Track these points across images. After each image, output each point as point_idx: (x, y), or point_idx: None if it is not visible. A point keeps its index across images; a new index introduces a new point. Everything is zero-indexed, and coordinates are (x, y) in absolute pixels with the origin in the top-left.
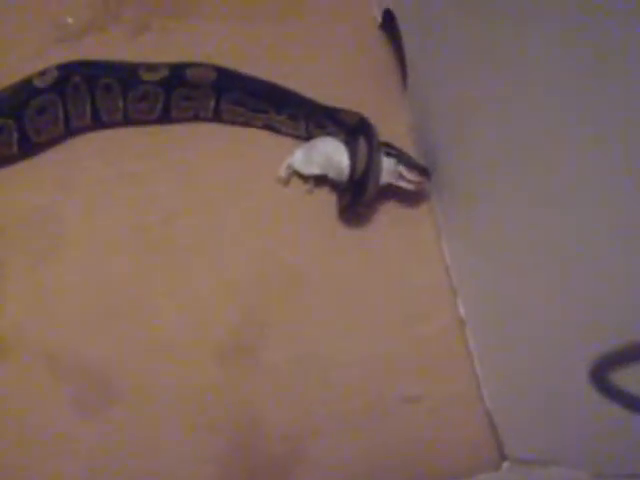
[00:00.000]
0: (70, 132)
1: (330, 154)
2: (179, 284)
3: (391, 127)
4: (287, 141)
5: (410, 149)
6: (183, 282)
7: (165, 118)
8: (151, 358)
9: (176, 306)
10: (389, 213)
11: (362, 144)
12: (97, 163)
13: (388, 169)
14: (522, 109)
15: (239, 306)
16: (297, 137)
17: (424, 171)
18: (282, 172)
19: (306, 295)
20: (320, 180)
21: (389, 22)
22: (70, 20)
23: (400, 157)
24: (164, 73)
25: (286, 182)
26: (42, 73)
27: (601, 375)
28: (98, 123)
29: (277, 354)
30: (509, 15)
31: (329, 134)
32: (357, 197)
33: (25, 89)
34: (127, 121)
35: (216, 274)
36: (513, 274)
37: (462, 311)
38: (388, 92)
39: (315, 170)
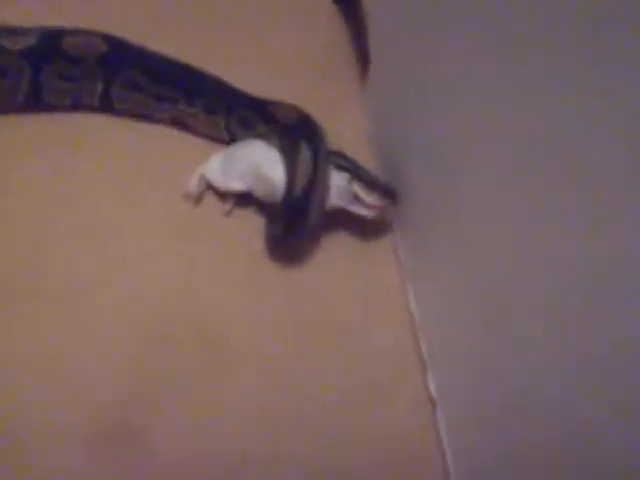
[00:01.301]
0: None
1: (258, 164)
2: (48, 339)
3: (343, 132)
4: (200, 143)
5: (368, 162)
6: (54, 336)
7: (33, 104)
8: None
9: (43, 369)
10: (337, 247)
11: (304, 152)
12: None
13: (339, 188)
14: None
15: (124, 374)
16: (214, 138)
17: (388, 193)
18: (192, 185)
19: (218, 364)
20: (243, 199)
21: None
22: None
23: (356, 172)
24: (31, 40)
25: (197, 199)
26: None
27: None
28: None
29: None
30: None
31: (258, 136)
32: (293, 224)
33: None
34: None
35: (96, 326)
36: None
37: (432, 387)
38: (341, 86)
39: (236, 185)
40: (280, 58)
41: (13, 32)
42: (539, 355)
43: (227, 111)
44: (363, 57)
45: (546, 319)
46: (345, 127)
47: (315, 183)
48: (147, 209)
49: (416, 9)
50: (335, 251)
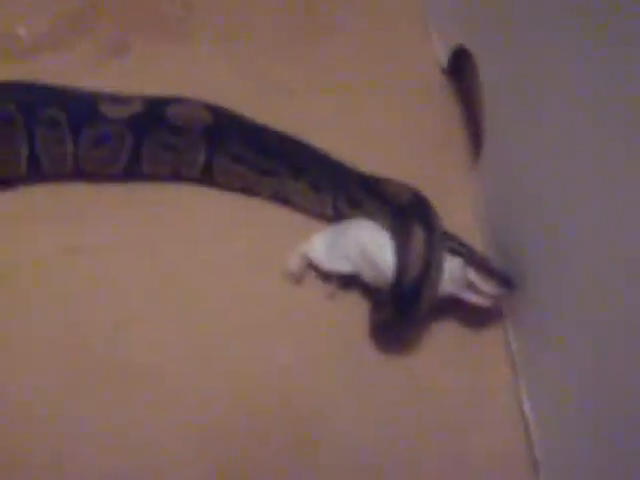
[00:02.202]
0: None
1: (366, 245)
2: (123, 427)
3: (454, 215)
4: (304, 220)
5: (480, 247)
6: (127, 423)
7: (133, 173)
8: None
9: (112, 455)
10: (445, 336)
11: (417, 234)
12: (32, 229)
13: (453, 274)
14: None
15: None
16: (319, 216)
17: (504, 281)
18: (294, 264)
19: (319, 460)
20: (348, 281)
21: (459, 65)
22: (21, 31)
23: (471, 258)
24: (135, 108)
25: (298, 279)
26: None
27: None
28: (35, 173)
29: None
30: None
31: (366, 216)
32: (403, 312)
33: None
34: (78, 173)
35: (177, 415)
36: None
37: None
38: (451, 164)
39: (342, 267)
40: (387, 135)
41: (117, 100)
42: None
43: (334, 188)
44: (476, 134)
45: None
46: (456, 210)
47: (429, 270)
48: (243, 288)
49: (533, 83)
50: (441, 340)
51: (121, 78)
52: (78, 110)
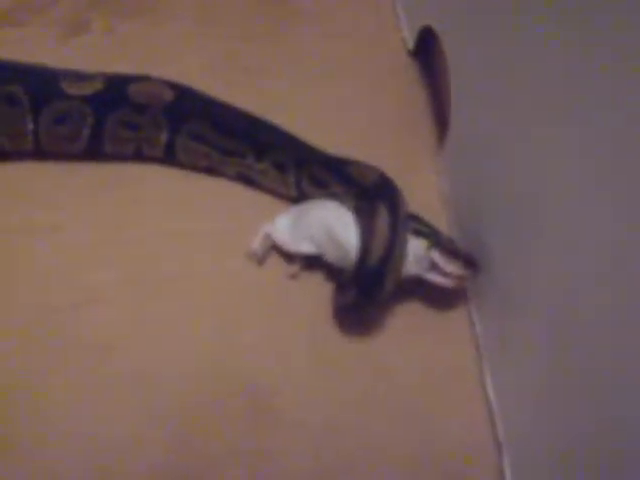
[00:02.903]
0: None
1: (330, 226)
2: (79, 407)
3: (418, 195)
4: (269, 200)
5: (445, 228)
6: (86, 405)
7: (95, 151)
8: None
9: (69, 437)
10: (410, 318)
11: (382, 215)
12: None
13: (417, 255)
14: None
15: (165, 454)
16: (284, 196)
17: (468, 262)
18: (257, 245)
19: (282, 440)
20: (311, 262)
21: (425, 46)
22: None
23: (435, 239)
24: (97, 86)
25: (261, 260)
26: None
27: None
28: None
29: None
30: None
31: (331, 196)
32: (367, 293)
33: None
34: (38, 151)
35: (141, 393)
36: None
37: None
38: (417, 146)
39: (305, 247)
40: (352, 116)
41: (78, 77)
42: None
43: (298, 168)
44: (442, 116)
45: None
46: (420, 190)
47: (392, 251)
48: (202, 267)
49: (503, 68)
50: (405, 322)
51: (83, 56)
52: (39, 87)
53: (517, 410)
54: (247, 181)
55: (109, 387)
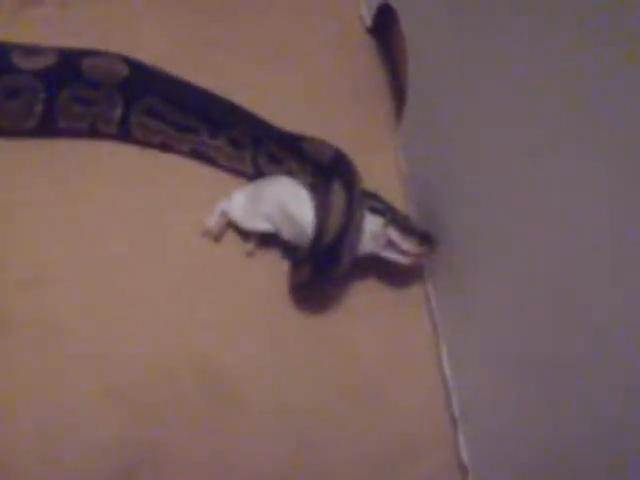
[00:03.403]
0: None
1: (285, 203)
2: (40, 384)
3: (375, 172)
4: (223, 177)
5: (402, 205)
6: (47, 382)
7: (48, 127)
8: None
9: (27, 417)
10: (366, 296)
11: (337, 192)
12: None
13: (373, 232)
14: None
15: (121, 428)
16: (239, 173)
17: (425, 239)
18: (212, 222)
19: (239, 419)
20: (267, 239)
21: (383, 23)
22: None
23: (392, 216)
24: (50, 60)
25: (217, 237)
26: None
27: None
28: None
29: None
30: None
31: (287, 173)
32: (323, 270)
33: None
34: None
35: (95, 372)
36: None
37: (464, 454)
38: (374, 123)
39: (261, 224)
40: (309, 93)
41: (30, 51)
42: (594, 420)
43: (254, 144)
44: (399, 93)
45: (606, 375)
46: (377, 167)
47: (348, 227)
48: (158, 244)
49: (459, 46)
50: (362, 299)
51: (36, 29)
52: None
53: (472, 386)
54: (203, 158)
55: (64, 369)
